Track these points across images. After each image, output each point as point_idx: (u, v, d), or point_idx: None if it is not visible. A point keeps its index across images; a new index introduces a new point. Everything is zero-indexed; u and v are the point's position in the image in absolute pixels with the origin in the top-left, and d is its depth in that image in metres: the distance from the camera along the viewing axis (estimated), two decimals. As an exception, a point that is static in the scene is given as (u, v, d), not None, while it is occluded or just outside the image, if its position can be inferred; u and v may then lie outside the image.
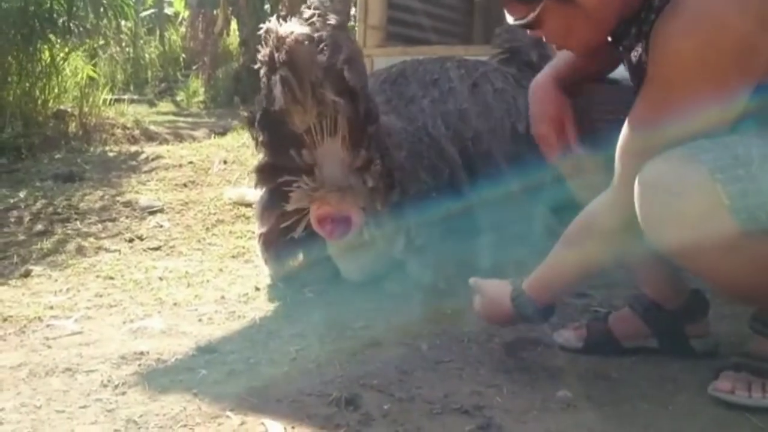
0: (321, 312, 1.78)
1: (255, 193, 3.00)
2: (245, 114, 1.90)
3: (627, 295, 1.64)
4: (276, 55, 1.71)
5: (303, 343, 1.60)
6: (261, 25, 1.81)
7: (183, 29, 10.75)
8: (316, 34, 1.70)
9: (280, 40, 1.70)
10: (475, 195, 1.92)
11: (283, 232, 1.91)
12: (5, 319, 1.77)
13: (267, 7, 9.65)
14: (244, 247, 2.41)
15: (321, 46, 1.70)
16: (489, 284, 1.47)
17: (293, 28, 1.71)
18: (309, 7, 1.76)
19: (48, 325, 1.73)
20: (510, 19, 1.28)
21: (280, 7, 9.78)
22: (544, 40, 1.33)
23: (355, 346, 1.59)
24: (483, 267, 1.88)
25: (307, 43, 1.69)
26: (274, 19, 1.76)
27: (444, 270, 1.88)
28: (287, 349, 1.57)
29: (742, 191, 1.12)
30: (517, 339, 1.62)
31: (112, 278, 2.11)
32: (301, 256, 2.01)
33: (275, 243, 1.93)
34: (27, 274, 2.17)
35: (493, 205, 1.90)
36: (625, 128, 1.24)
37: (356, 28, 3.92)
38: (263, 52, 1.77)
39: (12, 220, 2.74)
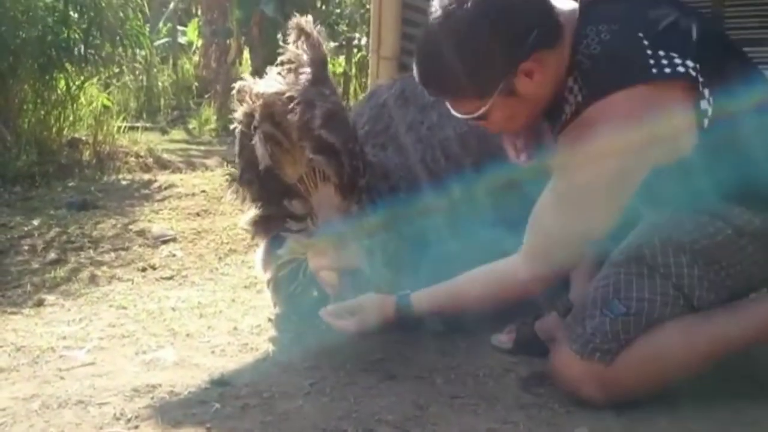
0: (335, 345, 1.76)
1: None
2: (228, 175, 1.87)
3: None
4: (254, 112, 1.69)
5: (317, 376, 1.59)
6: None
7: (196, 58, 10.87)
8: (287, 94, 1.66)
9: (257, 97, 1.68)
10: (477, 231, 1.83)
11: (289, 277, 1.88)
12: (18, 349, 1.76)
13: (279, 36, 9.76)
14: (256, 278, 2.39)
15: (292, 104, 1.66)
16: (359, 302, 1.63)
17: (267, 86, 1.69)
18: (282, 62, 1.73)
19: (61, 356, 1.72)
20: (457, 114, 1.40)
21: (292, 37, 9.90)
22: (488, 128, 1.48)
23: (370, 379, 1.57)
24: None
25: (280, 102, 1.66)
26: (248, 76, 1.75)
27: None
28: (301, 383, 1.55)
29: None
30: (533, 374, 1.60)
31: (124, 308, 2.11)
32: (313, 293, 1.98)
33: (284, 287, 1.91)
34: (40, 303, 2.17)
35: (498, 240, 1.85)
36: (539, 205, 1.41)
37: (369, 59, 3.94)
38: (240, 111, 1.74)
39: (25, 248, 2.75)
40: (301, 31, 1.72)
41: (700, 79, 1.25)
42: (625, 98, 1.25)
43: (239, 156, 1.81)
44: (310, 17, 1.78)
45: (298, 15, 1.79)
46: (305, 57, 1.71)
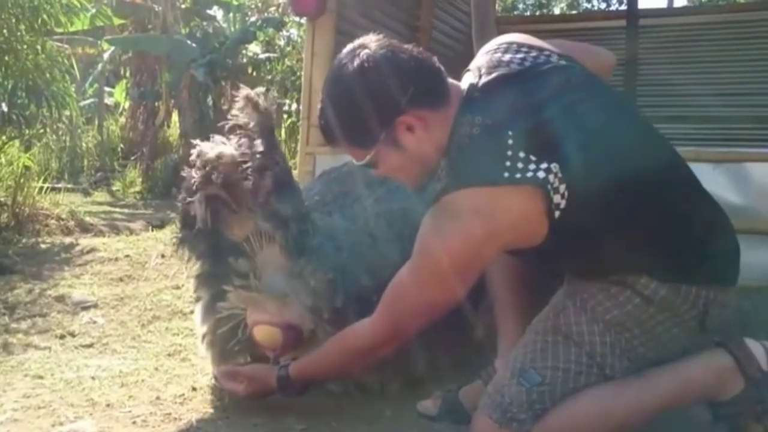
0: (260, 414, 1.75)
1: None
2: (174, 238, 1.87)
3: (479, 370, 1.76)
4: (205, 176, 1.72)
5: (242, 448, 1.57)
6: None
7: (123, 120, 10.77)
8: (239, 160, 1.71)
9: (210, 162, 1.72)
10: None
11: (227, 335, 1.87)
12: (-76, 423, 1.68)
13: (210, 100, 9.80)
14: (180, 345, 2.36)
15: (246, 171, 1.70)
16: (251, 369, 1.79)
17: (219, 151, 1.73)
18: (234, 128, 1.76)
19: (-29, 429, 1.65)
20: (354, 161, 1.51)
21: (222, 101, 9.95)
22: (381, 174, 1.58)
23: (295, 450, 1.56)
24: (418, 372, 1.88)
25: (231, 167, 1.70)
26: (202, 142, 1.78)
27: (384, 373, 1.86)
28: (225, 454, 1.53)
29: None
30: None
31: (41, 377, 2.03)
32: (248, 354, 1.96)
33: (219, 343, 1.89)
34: (-51, 373, 2.07)
35: None
36: (398, 273, 1.50)
37: (300, 126, 3.99)
38: (191, 175, 1.77)
39: (-65, 314, 2.63)
40: (250, 101, 1.76)
41: (551, 181, 1.35)
42: (472, 196, 1.37)
43: (185, 217, 1.82)
44: (260, 89, 1.84)
45: (241, 84, 1.83)
46: (255, 124, 1.75)
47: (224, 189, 1.72)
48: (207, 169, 1.71)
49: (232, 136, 1.76)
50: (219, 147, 1.74)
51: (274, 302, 1.78)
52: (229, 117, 1.79)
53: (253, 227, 1.76)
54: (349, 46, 1.48)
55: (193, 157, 1.78)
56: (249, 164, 1.70)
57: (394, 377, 1.87)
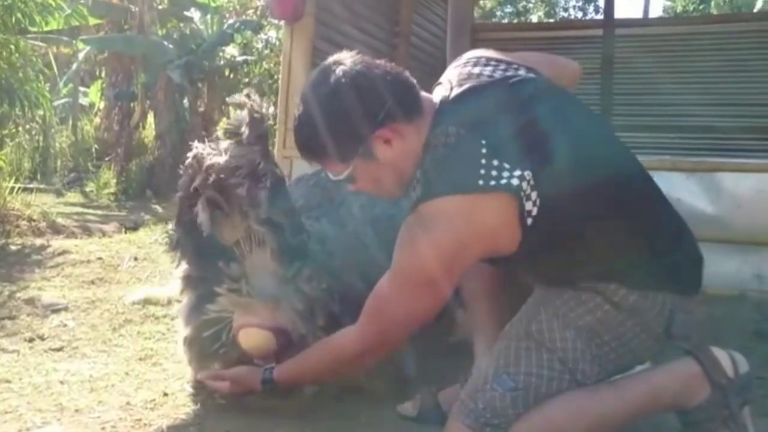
0: (234, 419, 1.73)
1: (163, 292, 2.90)
2: (166, 239, 1.86)
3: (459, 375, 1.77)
4: (201, 180, 1.72)
5: (213, 454, 1.55)
6: (206, 146, 1.81)
7: (97, 120, 10.65)
8: (235, 165, 1.71)
9: (208, 168, 1.71)
10: None
11: (210, 339, 1.85)
12: None
13: (186, 102, 9.74)
14: (152, 349, 2.33)
15: (241, 177, 1.71)
16: (235, 371, 1.77)
17: (217, 157, 1.73)
18: (227, 133, 1.76)
19: (-66, 435, 1.61)
20: (331, 176, 1.52)
21: (198, 103, 9.89)
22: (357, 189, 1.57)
23: (267, 456, 1.54)
24: (409, 373, 1.88)
25: (228, 172, 1.71)
26: (199, 144, 1.77)
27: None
28: (196, 461, 1.51)
29: None
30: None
31: (8, 381, 1.99)
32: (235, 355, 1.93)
33: (199, 344, 1.87)
34: None
35: None
36: (379, 282, 1.50)
37: (276, 130, 3.98)
38: (188, 178, 1.77)
39: None
40: (245, 107, 1.76)
41: (524, 189, 1.37)
42: (447, 204, 1.38)
43: (178, 220, 1.82)
44: (252, 97, 1.84)
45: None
46: (250, 131, 1.75)
47: (219, 192, 1.72)
48: (204, 171, 1.71)
49: (226, 141, 1.76)
50: (216, 153, 1.74)
51: (266, 306, 1.77)
52: (223, 122, 1.78)
53: (244, 231, 1.76)
54: (324, 63, 1.50)
55: (189, 160, 1.77)
56: (243, 170, 1.70)
57: (373, 380, 1.86)
